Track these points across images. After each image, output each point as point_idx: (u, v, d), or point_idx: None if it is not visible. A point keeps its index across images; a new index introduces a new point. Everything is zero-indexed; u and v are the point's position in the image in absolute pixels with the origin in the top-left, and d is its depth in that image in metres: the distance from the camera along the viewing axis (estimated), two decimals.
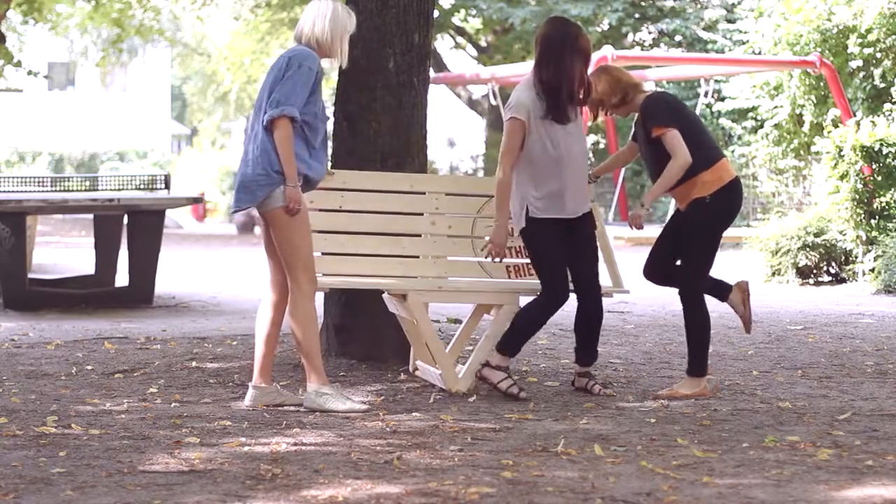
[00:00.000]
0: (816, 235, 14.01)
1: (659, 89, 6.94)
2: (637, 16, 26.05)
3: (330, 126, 7.11)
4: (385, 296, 7.12)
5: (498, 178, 6.68)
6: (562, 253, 6.69)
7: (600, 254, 7.33)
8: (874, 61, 18.16)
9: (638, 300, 11.58)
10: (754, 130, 21.33)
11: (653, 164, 6.78)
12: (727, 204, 6.74)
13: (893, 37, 17.68)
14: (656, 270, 6.91)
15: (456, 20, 28.23)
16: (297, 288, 6.33)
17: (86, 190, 13.84)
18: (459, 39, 28.88)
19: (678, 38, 25.54)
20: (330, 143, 7.29)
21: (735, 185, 6.76)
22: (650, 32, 26.69)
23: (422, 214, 7.14)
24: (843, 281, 13.94)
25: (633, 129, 7.00)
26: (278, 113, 6.20)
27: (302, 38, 6.41)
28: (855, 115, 16.79)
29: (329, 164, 6.48)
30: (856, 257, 13.83)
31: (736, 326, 9.94)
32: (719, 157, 6.74)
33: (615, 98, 6.77)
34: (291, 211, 6.23)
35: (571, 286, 6.78)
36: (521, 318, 6.74)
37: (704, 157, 6.66)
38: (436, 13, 22.39)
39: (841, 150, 13.75)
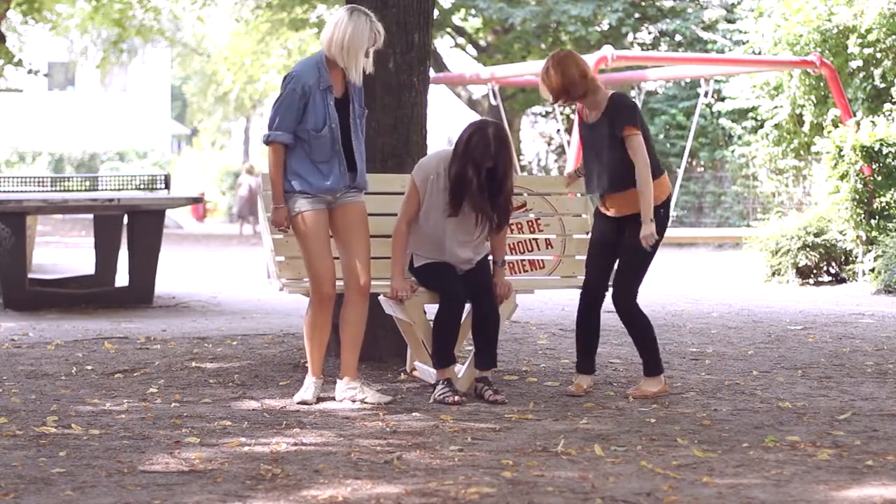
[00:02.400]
0: (816, 235, 14.01)
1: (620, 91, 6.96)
2: (637, 16, 26.04)
3: None
4: (381, 298, 7.11)
5: (395, 229, 6.81)
6: (446, 267, 6.77)
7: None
8: (874, 61, 18.16)
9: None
10: (754, 130, 21.34)
11: (613, 165, 6.65)
12: (667, 219, 6.86)
13: (893, 37, 17.68)
14: (597, 298, 6.88)
15: (456, 20, 28.22)
16: (311, 294, 6.62)
17: (86, 190, 13.84)
18: (459, 39, 28.87)
19: (678, 38, 25.54)
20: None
21: (669, 201, 6.91)
22: (650, 32, 26.68)
23: None
24: (843, 281, 13.94)
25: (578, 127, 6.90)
26: (265, 139, 6.48)
27: (322, 45, 6.57)
28: (855, 115, 16.80)
29: (344, 174, 6.55)
30: (856, 257, 13.84)
31: (735, 326, 9.94)
32: (663, 171, 6.84)
33: (581, 89, 6.65)
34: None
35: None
36: (434, 331, 6.75)
37: (655, 167, 6.69)
38: (436, 13, 22.40)
39: (841, 150, 13.75)
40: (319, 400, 6.56)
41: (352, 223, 6.57)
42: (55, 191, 13.78)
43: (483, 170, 6.56)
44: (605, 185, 6.72)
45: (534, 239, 7.41)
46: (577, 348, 6.95)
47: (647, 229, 6.59)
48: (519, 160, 24.30)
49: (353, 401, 6.52)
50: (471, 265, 6.81)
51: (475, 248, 6.82)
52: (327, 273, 6.50)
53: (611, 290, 6.88)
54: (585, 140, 6.81)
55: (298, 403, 6.48)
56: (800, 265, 14.00)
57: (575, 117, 7.02)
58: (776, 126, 20.19)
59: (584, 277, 6.93)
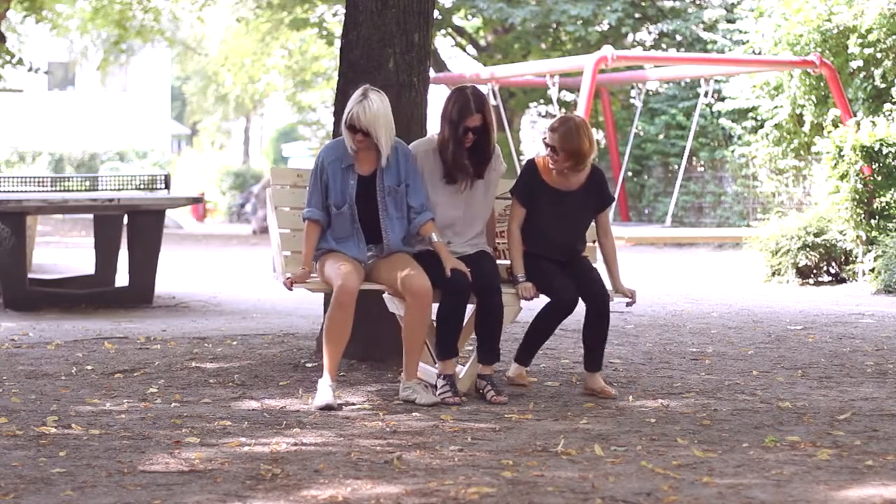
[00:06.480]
0: (816, 235, 14.01)
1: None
2: (637, 16, 26.03)
3: (330, 127, 7.23)
4: (385, 296, 7.11)
5: None
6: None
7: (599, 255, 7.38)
8: (874, 61, 18.16)
9: (638, 300, 11.55)
10: (754, 130, 21.32)
11: (581, 233, 6.98)
12: None
13: (894, 37, 17.67)
14: (569, 312, 6.93)
15: (456, 20, 28.21)
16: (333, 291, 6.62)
17: (86, 190, 13.84)
18: (459, 39, 28.87)
19: (678, 38, 25.53)
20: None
21: None
22: (650, 32, 26.67)
23: None
24: (843, 281, 13.94)
25: (526, 186, 6.91)
26: (303, 216, 6.71)
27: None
28: (855, 115, 16.79)
29: (363, 250, 6.73)
30: (856, 257, 13.83)
31: (735, 326, 9.94)
32: None
33: (588, 161, 6.81)
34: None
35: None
36: (437, 323, 6.76)
37: None
38: (436, 13, 22.37)
39: (841, 150, 13.75)
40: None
41: (392, 257, 6.68)
42: (55, 191, 13.77)
43: (466, 127, 6.72)
44: (572, 250, 6.96)
45: None
46: (527, 345, 6.96)
47: (627, 290, 7.00)
48: (518, 160, 24.29)
49: (408, 401, 6.53)
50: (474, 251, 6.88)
51: (471, 232, 6.91)
52: (346, 270, 6.50)
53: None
54: (552, 207, 6.88)
55: (323, 408, 6.35)
56: (800, 265, 14.00)
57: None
58: (776, 126, 20.18)
59: (557, 294, 6.81)
